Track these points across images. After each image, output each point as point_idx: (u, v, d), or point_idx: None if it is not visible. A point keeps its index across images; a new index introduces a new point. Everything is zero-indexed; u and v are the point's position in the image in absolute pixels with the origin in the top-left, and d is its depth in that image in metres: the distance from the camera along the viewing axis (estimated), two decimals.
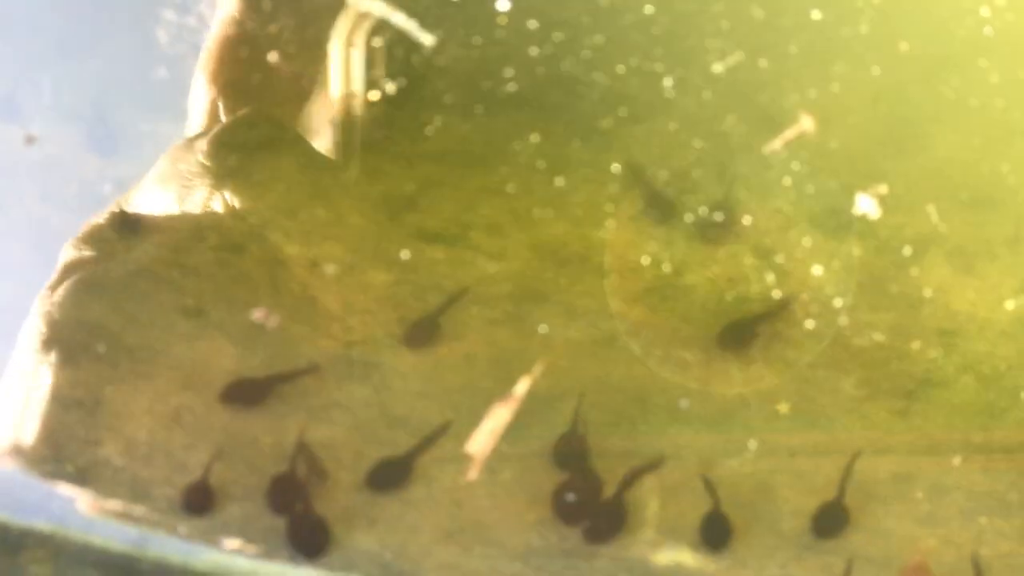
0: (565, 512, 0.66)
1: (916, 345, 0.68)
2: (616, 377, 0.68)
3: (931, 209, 0.68)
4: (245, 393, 0.67)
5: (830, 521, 0.65)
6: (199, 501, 0.65)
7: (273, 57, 0.71)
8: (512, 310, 0.68)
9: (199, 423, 0.66)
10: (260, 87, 0.73)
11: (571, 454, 0.67)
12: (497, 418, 0.66)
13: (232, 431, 0.66)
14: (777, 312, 0.67)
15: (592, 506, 0.65)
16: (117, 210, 0.73)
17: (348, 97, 0.71)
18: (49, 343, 0.67)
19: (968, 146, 0.68)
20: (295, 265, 0.68)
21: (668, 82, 0.66)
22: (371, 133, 0.71)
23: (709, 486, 0.66)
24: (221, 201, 0.70)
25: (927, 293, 0.68)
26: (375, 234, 0.69)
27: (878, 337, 0.68)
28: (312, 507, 0.65)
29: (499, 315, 0.69)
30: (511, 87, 0.67)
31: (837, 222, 0.67)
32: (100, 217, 0.73)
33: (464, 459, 0.66)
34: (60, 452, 0.66)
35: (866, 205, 0.66)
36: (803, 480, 0.67)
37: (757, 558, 0.65)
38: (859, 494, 0.66)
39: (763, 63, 0.66)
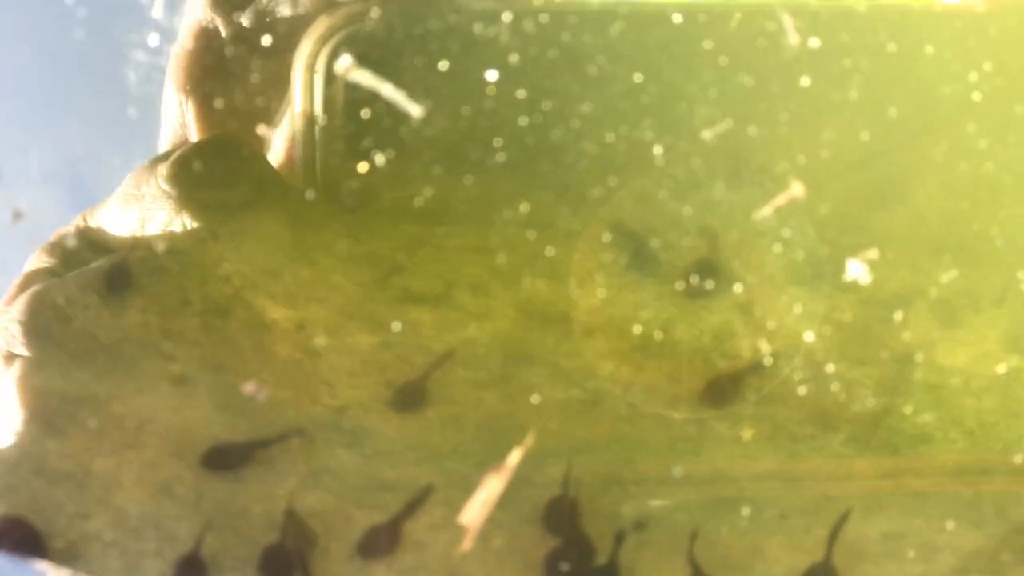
0: None
1: (903, 401, 0.68)
2: (604, 438, 0.68)
3: (916, 264, 0.68)
4: (226, 458, 0.66)
5: None
6: (191, 574, 0.64)
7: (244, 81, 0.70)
8: (498, 371, 0.68)
9: (189, 493, 0.65)
10: (229, 103, 0.73)
11: (562, 519, 0.67)
12: (490, 486, 0.66)
13: (222, 501, 0.66)
14: (761, 369, 0.67)
15: (584, 572, 0.65)
16: (83, 225, 0.72)
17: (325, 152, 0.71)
18: (35, 417, 0.66)
19: (955, 206, 0.68)
20: (281, 329, 0.68)
21: (657, 150, 0.66)
22: (354, 193, 0.71)
23: (688, 552, 0.66)
24: (181, 227, 0.68)
25: (913, 348, 0.68)
26: (360, 296, 0.69)
27: (864, 394, 0.68)
28: None
29: (485, 377, 0.68)
30: (500, 156, 0.67)
31: (826, 285, 0.68)
32: (67, 228, 0.72)
33: (455, 526, 0.66)
34: (49, 527, 0.65)
35: (856, 271, 0.66)
36: (794, 541, 0.67)
37: None
38: (850, 554, 0.67)
39: (752, 130, 0.66)
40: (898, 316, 0.68)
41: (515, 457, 0.65)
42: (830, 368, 0.67)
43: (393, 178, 0.70)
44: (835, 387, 0.67)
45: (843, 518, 0.65)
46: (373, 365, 0.68)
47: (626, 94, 0.68)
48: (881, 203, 0.69)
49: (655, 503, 0.66)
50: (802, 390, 0.67)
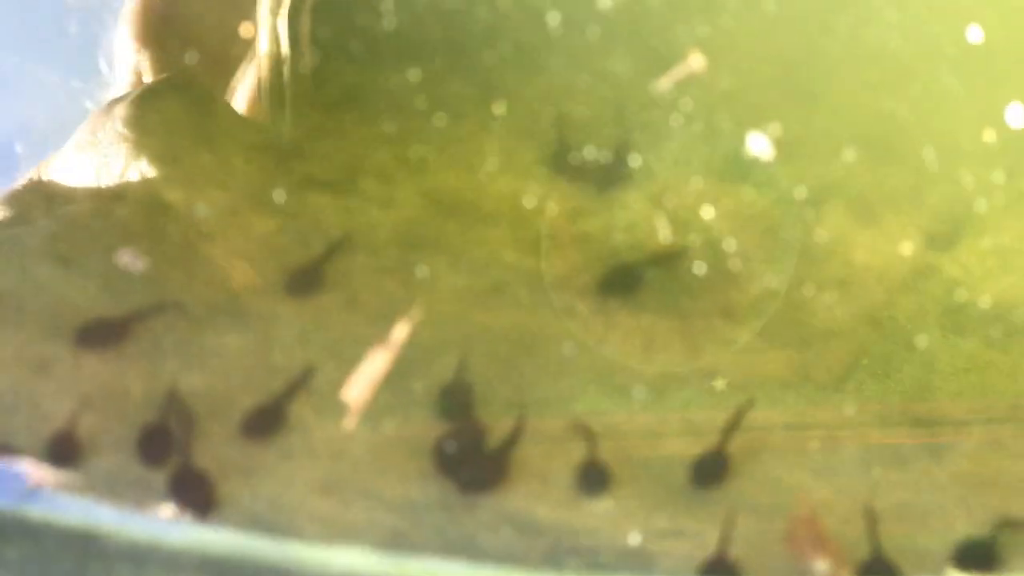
0: (446, 464, 0.63)
1: (813, 295, 0.66)
2: (504, 326, 0.66)
3: (830, 156, 0.66)
4: (101, 334, 0.64)
5: (710, 470, 0.63)
6: (64, 451, 0.63)
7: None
8: (399, 258, 0.66)
9: (66, 372, 0.64)
10: (186, 42, 0.72)
11: (456, 404, 0.65)
12: (375, 364, 0.64)
13: (102, 381, 0.64)
14: (666, 258, 0.65)
15: (473, 457, 0.63)
16: (36, 176, 0.72)
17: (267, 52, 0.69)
18: None
19: (865, 89, 0.65)
20: (175, 212, 0.66)
21: (553, 18, 0.64)
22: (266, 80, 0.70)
23: (584, 432, 0.64)
24: (138, 172, 0.67)
25: (825, 242, 0.66)
26: (260, 181, 0.67)
27: (774, 286, 0.66)
28: (191, 460, 0.63)
29: (385, 263, 0.67)
30: (389, 23, 0.65)
31: (731, 165, 0.65)
32: (20, 182, 0.71)
33: (344, 409, 0.64)
34: None
35: (758, 146, 0.64)
36: (694, 431, 0.64)
37: (646, 509, 0.62)
38: (752, 445, 0.64)
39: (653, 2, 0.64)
40: (812, 212, 0.65)
41: (402, 334, 0.63)
42: (739, 262, 0.65)
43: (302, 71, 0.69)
44: (744, 280, 0.64)
45: (741, 409, 0.63)
46: (269, 249, 0.66)
47: None
48: (791, 88, 0.67)
49: (552, 391, 0.64)
50: (709, 283, 0.65)
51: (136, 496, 0.63)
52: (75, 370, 0.64)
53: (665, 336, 0.66)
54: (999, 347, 0.66)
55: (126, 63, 0.73)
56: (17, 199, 0.71)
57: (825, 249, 0.66)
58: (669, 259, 0.65)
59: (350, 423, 0.63)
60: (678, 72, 0.64)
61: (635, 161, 0.66)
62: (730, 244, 0.66)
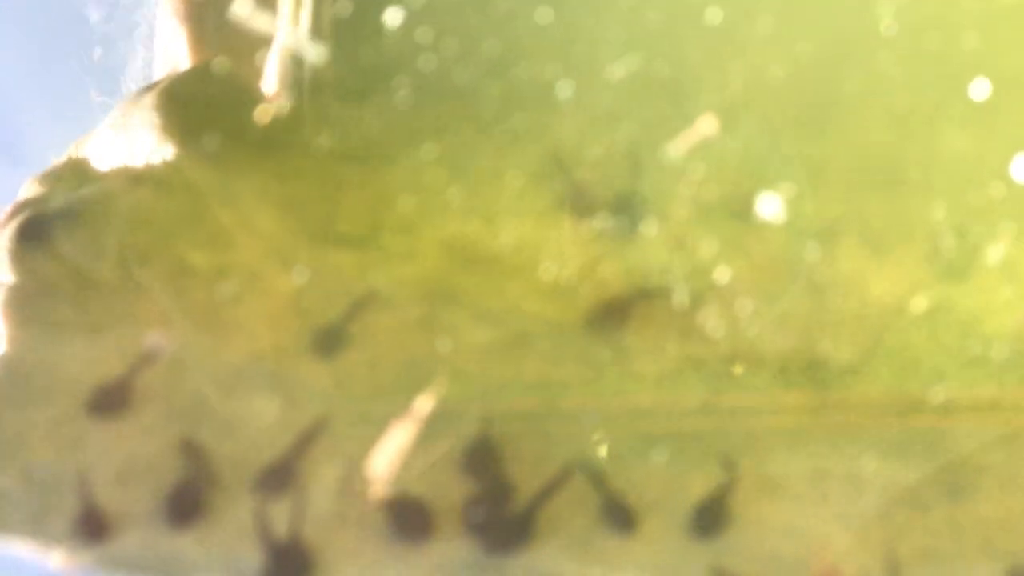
0: (473, 525, 0.64)
1: (830, 334, 0.66)
2: (528, 380, 0.67)
3: (845, 195, 0.67)
4: (109, 398, 0.65)
5: (709, 519, 0.64)
6: (92, 527, 0.64)
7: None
8: (421, 313, 0.67)
9: (97, 446, 0.65)
10: (223, 33, 0.72)
11: (481, 463, 0.66)
12: (403, 431, 0.65)
13: (127, 452, 0.65)
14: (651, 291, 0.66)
15: (499, 518, 0.64)
16: (74, 155, 0.73)
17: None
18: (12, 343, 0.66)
19: (883, 136, 0.66)
20: (200, 274, 0.67)
21: (565, 90, 0.64)
22: (280, 135, 0.70)
23: (595, 479, 0.65)
24: (162, 157, 0.69)
25: (841, 280, 0.66)
26: (282, 239, 0.68)
27: (791, 327, 0.66)
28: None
29: (407, 318, 0.67)
30: (404, 100, 0.66)
31: (752, 218, 0.66)
32: (60, 160, 0.73)
33: (370, 474, 0.65)
34: None
35: (769, 207, 0.64)
36: (716, 476, 0.65)
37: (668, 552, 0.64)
38: (772, 490, 0.65)
39: (661, 68, 0.65)
40: (826, 248, 0.66)
41: (429, 400, 0.64)
42: (756, 302, 0.65)
43: (324, 118, 0.69)
44: (761, 321, 0.65)
45: (731, 467, 0.63)
46: (294, 309, 0.67)
47: (532, 33, 0.66)
48: (802, 137, 0.67)
49: (576, 446, 0.65)
50: (727, 325, 0.65)
51: (165, 566, 0.64)
52: (100, 444, 0.65)
53: (686, 382, 0.67)
54: (1016, 381, 0.66)
55: (166, 44, 0.74)
56: (53, 176, 0.72)
57: (840, 288, 0.67)
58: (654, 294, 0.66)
59: (381, 490, 0.64)
60: (691, 135, 0.65)
61: (652, 222, 0.67)
62: (747, 286, 0.66)
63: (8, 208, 0.71)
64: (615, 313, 0.67)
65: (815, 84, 0.67)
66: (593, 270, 0.67)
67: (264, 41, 0.72)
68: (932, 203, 0.67)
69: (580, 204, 0.67)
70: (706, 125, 0.64)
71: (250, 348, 0.67)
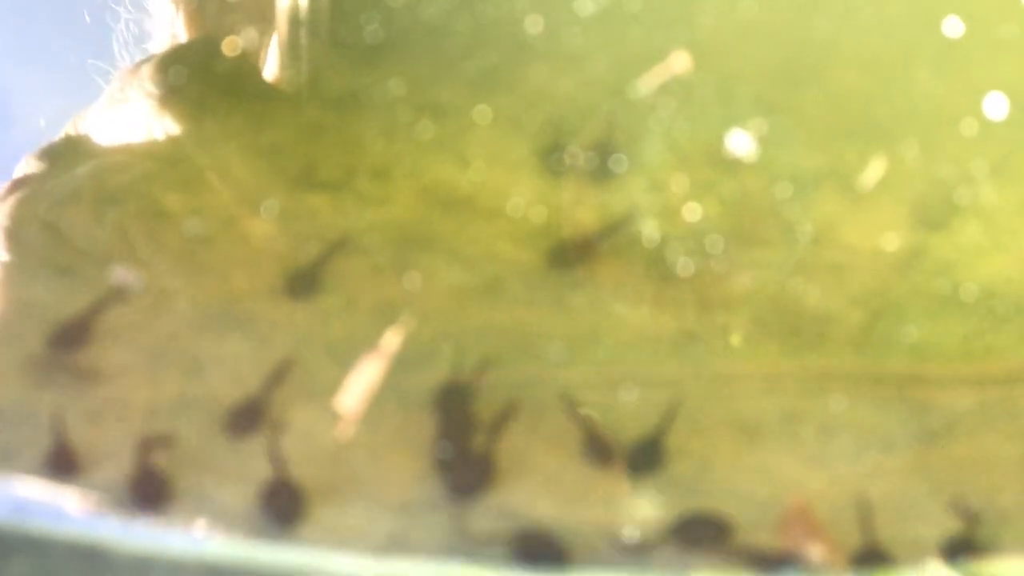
0: (441, 464, 0.64)
1: (805, 280, 0.66)
2: (503, 323, 0.67)
3: (824, 143, 0.66)
4: (70, 335, 0.65)
5: (645, 457, 0.63)
6: (64, 466, 0.64)
7: None
8: (395, 257, 0.67)
9: (67, 382, 0.65)
10: (221, 8, 0.72)
11: (453, 403, 0.66)
12: (371, 367, 0.65)
13: (104, 393, 0.65)
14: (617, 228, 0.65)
15: (462, 457, 0.64)
16: (72, 131, 0.73)
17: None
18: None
19: (864, 83, 0.66)
20: (174, 217, 0.67)
21: (534, 26, 0.64)
22: (254, 79, 0.70)
23: (573, 413, 0.64)
24: (163, 130, 0.69)
25: (818, 227, 0.66)
26: (257, 184, 0.68)
27: (766, 273, 0.66)
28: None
29: (382, 262, 0.67)
30: (374, 37, 0.66)
31: (718, 160, 0.66)
32: (63, 131, 0.73)
33: (341, 412, 0.65)
34: None
35: (740, 144, 0.64)
36: (686, 417, 0.65)
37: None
38: (745, 434, 0.65)
39: (632, 3, 0.65)
40: (800, 192, 0.65)
41: (398, 339, 0.64)
42: (731, 248, 0.65)
43: (297, 60, 0.69)
44: (732, 262, 0.65)
45: (673, 409, 0.63)
46: (268, 253, 0.67)
47: None
48: (780, 81, 0.67)
49: (550, 386, 0.65)
50: (697, 264, 0.65)
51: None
52: (72, 381, 0.65)
53: (657, 327, 0.66)
54: (992, 328, 0.66)
55: (163, 20, 0.74)
56: (51, 153, 0.72)
57: (817, 234, 0.67)
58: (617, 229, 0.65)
59: (347, 427, 0.63)
60: (661, 72, 0.65)
61: (625, 153, 0.67)
62: (721, 230, 0.66)
63: (6, 185, 0.72)
64: (587, 252, 0.66)
65: (787, 27, 0.67)
66: (567, 211, 0.67)
67: (263, 19, 0.72)
68: (907, 147, 0.67)
69: (552, 144, 0.67)
70: (678, 61, 0.64)
71: (223, 290, 0.67)
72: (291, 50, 0.70)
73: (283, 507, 0.63)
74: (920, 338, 0.65)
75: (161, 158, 0.69)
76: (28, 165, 0.72)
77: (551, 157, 0.67)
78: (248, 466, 0.63)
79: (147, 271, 0.67)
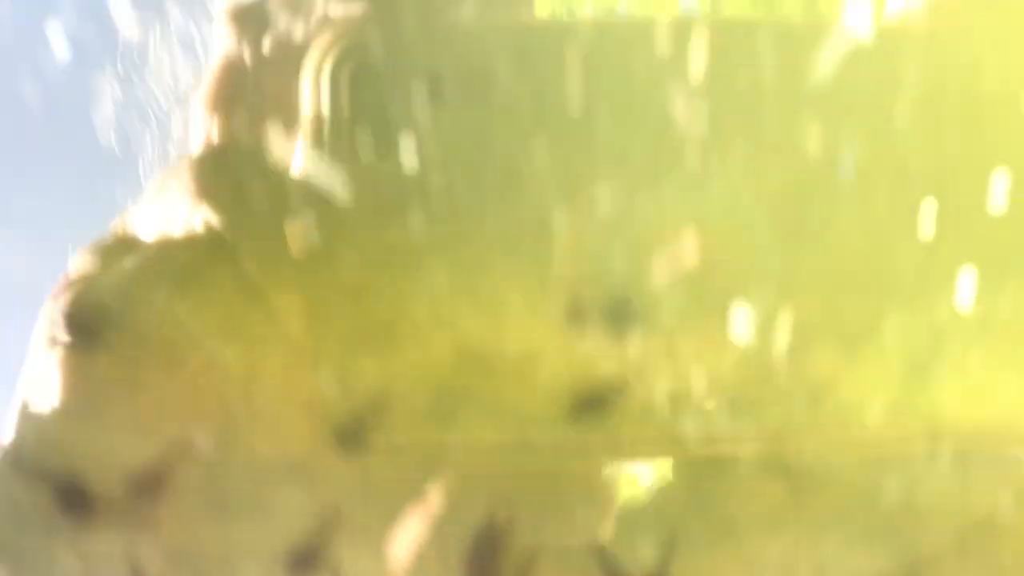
0: None
1: (803, 434, 0.73)
2: (531, 471, 0.74)
3: (823, 299, 0.73)
4: (144, 485, 0.73)
5: None
6: None
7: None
8: (435, 410, 0.74)
9: (140, 527, 0.73)
10: (254, 117, 0.78)
11: (484, 558, 0.73)
12: (416, 518, 0.73)
13: (177, 538, 0.73)
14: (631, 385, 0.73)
15: None
16: (119, 227, 0.79)
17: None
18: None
19: (866, 243, 0.72)
20: (231, 371, 0.75)
21: (561, 220, 0.71)
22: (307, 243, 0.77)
23: (599, 560, 0.72)
24: (202, 222, 0.75)
25: (812, 385, 0.73)
26: (309, 342, 0.75)
27: (767, 426, 0.73)
28: None
29: (423, 416, 0.75)
30: (417, 217, 0.72)
31: (723, 326, 0.73)
32: (108, 231, 0.79)
33: (384, 560, 0.73)
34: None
35: (746, 314, 0.71)
36: (691, 555, 0.73)
37: None
38: (746, 572, 0.73)
39: (645, 204, 0.71)
40: (802, 350, 0.73)
41: (438, 490, 0.72)
42: (731, 405, 0.73)
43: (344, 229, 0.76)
44: (735, 423, 0.72)
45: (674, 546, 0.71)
46: (319, 408, 0.74)
47: (530, 166, 0.73)
48: (782, 250, 0.74)
49: (576, 540, 0.72)
50: (703, 425, 0.73)
51: None
52: (147, 526, 0.73)
53: (668, 476, 0.74)
54: (976, 476, 0.74)
55: (198, 128, 0.79)
56: (100, 250, 0.78)
57: (816, 391, 0.74)
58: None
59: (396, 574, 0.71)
60: (674, 252, 0.71)
61: (640, 314, 0.74)
62: (726, 390, 0.74)
63: (61, 281, 0.78)
64: (605, 405, 0.74)
65: (787, 211, 0.74)
66: (587, 367, 0.74)
67: (292, 129, 0.78)
68: (897, 309, 0.74)
69: (577, 314, 0.74)
70: (688, 251, 0.71)
71: (277, 442, 0.75)
72: (314, 146, 0.77)
73: None
74: (911, 487, 0.73)
75: (202, 246, 0.75)
76: (79, 260, 0.78)
77: (573, 315, 0.74)
78: None
79: (209, 420, 0.74)
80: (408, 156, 0.73)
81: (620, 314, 0.74)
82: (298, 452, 0.74)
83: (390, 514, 0.72)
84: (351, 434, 0.74)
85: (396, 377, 0.74)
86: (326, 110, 0.75)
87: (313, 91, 0.75)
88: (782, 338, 0.73)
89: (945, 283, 0.73)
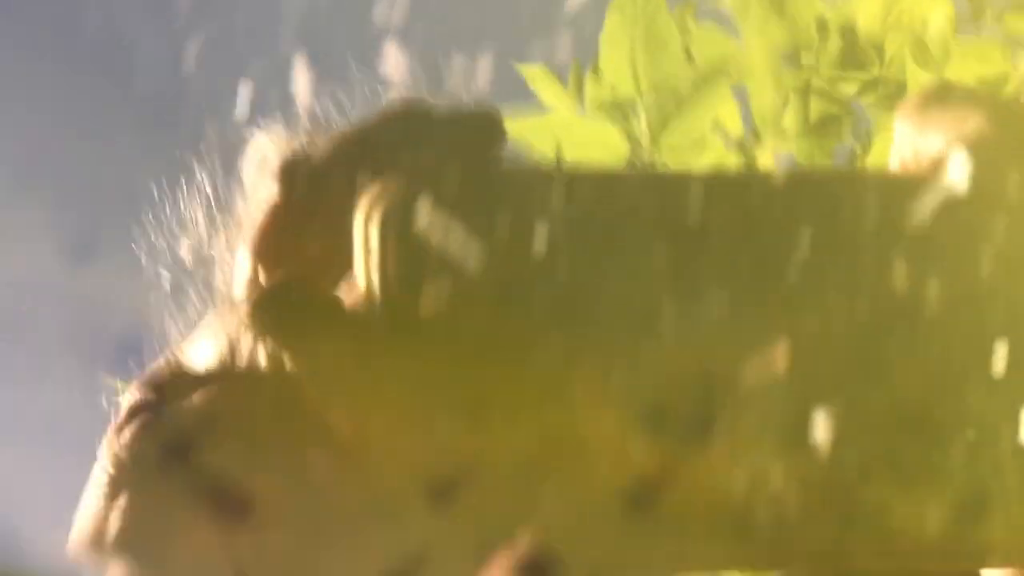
0: None
1: (854, 558, 0.80)
2: (597, 557, 0.82)
3: (883, 435, 0.80)
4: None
5: None
6: None
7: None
8: (518, 482, 0.82)
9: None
10: (298, 261, 0.83)
11: None
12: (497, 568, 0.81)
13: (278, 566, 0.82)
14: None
15: None
16: (172, 359, 0.82)
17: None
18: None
19: (912, 389, 0.78)
20: (342, 436, 0.82)
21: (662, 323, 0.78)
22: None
23: None
24: (264, 358, 0.79)
25: (869, 511, 0.80)
26: (409, 406, 0.83)
27: (822, 546, 0.80)
28: None
29: (507, 484, 0.82)
30: (530, 312, 0.80)
31: (797, 447, 0.79)
32: (160, 362, 0.83)
33: None
34: None
35: (819, 437, 0.78)
36: None
37: None
38: None
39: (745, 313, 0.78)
40: (858, 480, 0.79)
41: (519, 550, 0.79)
42: (795, 520, 0.79)
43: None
44: (797, 537, 0.79)
45: None
46: (415, 463, 0.82)
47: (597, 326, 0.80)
48: (854, 380, 0.80)
49: None
50: (770, 534, 0.79)
51: None
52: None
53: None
54: None
55: (243, 272, 0.83)
56: (156, 381, 0.82)
57: (869, 515, 0.80)
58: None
59: None
60: (763, 363, 0.78)
61: (718, 423, 0.81)
62: (789, 502, 0.80)
63: (121, 413, 0.80)
64: (676, 506, 0.81)
65: (860, 346, 0.80)
66: (663, 471, 0.81)
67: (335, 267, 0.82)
68: (956, 449, 0.80)
69: (653, 406, 0.81)
70: (777, 354, 0.78)
71: (371, 487, 0.83)
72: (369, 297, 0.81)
73: None
74: None
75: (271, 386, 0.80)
76: (134, 393, 0.81)
77: (651, 417, 0.81)
78: None
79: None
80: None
81: (698, 420, 0.80)
82: (391, 499, 0.82)
83: (475, 564, 0.80)
84: (442, 488, 0.82)
85: (484, 446, 0.82)
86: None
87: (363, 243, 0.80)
88: (847, 464, 0.79)
89: (1008, 423, 0.79)
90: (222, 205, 0.88)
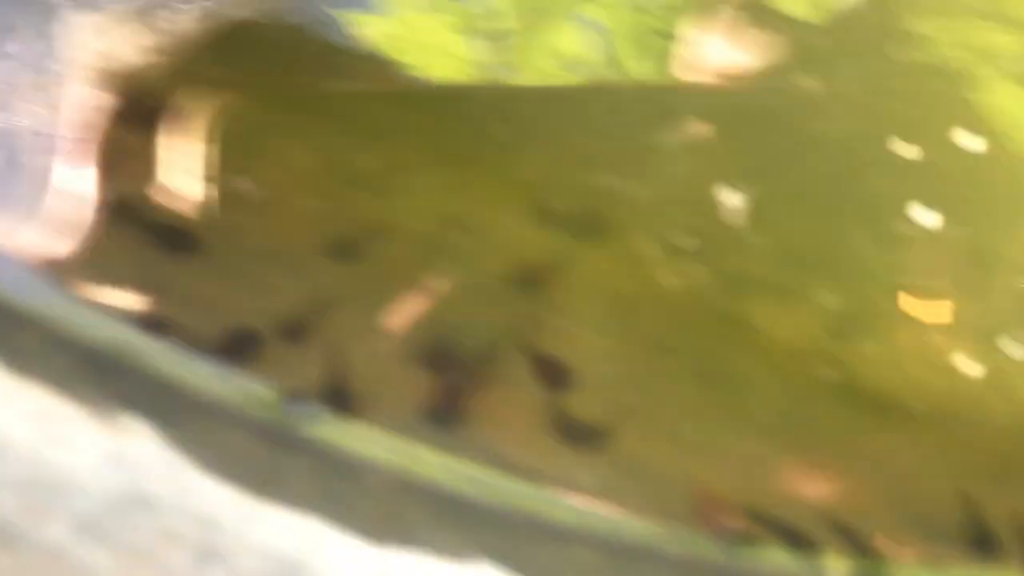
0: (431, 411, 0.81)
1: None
2: (492, 318, 0.85)
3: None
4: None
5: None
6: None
7: None
8: (427, 236, 0.86)
9: None
10: None
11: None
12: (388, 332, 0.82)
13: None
14: None
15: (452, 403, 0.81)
16: None
17: None
18: None
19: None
20: (246, 196, 0.85)
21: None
22: None
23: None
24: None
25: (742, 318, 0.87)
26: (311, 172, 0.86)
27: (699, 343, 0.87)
28: None
29: (415, 240, 0.86)
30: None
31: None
32: None
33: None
34: None
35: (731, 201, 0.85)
36: None
37: None
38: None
39: None
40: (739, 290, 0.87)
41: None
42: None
43: None
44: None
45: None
46: (315, 224, 0.85)
47: None
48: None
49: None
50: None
51: None
52: None
53: None
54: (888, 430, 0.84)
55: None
56: None
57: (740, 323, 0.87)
58: None
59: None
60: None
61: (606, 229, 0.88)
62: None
63: None
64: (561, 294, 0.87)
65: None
66: (552, 264, 0.87)
67: None
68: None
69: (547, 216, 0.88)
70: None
71: (275, 244, 0.85)
72: None
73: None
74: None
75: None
76: None
77: (543, 214, 0.87)
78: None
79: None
80: None
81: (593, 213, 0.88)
82: (294, 253, 0.84)
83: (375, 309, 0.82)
84: (344, 247, 0.84)
85: (390, 207, 0.86)
86: None
87: None
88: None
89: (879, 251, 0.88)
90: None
